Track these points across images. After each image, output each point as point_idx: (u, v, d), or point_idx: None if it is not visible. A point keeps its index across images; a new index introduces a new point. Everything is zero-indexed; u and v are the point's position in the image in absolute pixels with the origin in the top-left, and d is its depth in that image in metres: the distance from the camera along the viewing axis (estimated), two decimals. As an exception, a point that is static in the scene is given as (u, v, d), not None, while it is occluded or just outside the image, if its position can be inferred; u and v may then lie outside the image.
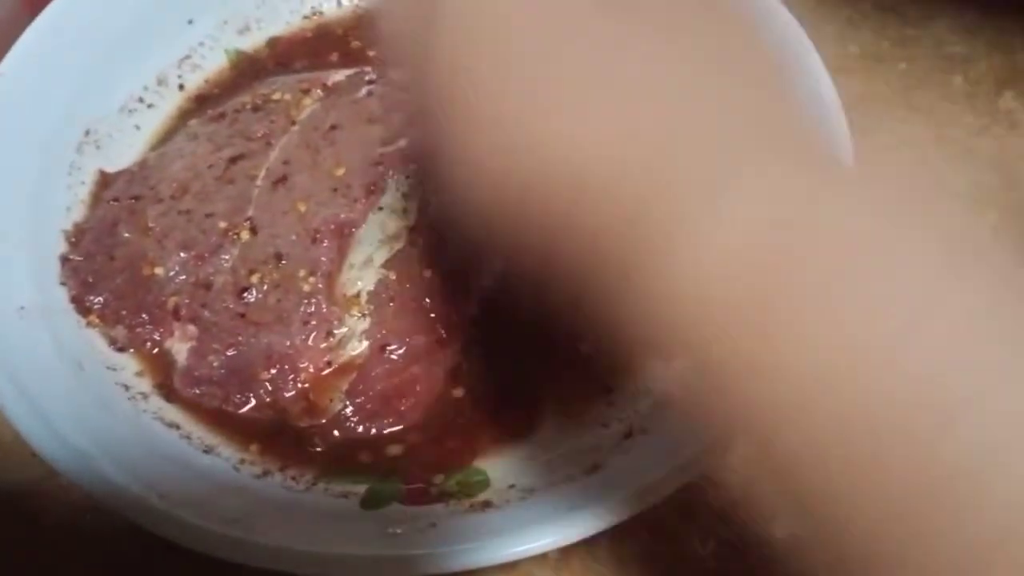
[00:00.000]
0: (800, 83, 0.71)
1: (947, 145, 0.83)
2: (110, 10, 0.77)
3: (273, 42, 0.86)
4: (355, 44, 0.86)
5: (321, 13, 0.87)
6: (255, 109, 0.78)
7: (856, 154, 0.67)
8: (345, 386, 0.68)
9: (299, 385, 0.68)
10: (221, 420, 0.67)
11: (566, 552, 0.66)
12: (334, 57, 0.85)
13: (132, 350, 0.69)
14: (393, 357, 0.68)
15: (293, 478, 0.64)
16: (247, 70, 0.84)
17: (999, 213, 0.80)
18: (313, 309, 0.69)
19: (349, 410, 0.67)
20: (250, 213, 0.72)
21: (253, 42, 0.86)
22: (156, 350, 0.69)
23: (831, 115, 0.69)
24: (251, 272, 0.70)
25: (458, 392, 0.68)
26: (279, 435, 0.66)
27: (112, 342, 0.69)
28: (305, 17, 0.87)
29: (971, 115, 0.85)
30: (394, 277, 0.71)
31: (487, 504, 0.61)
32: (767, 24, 0.74)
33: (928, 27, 0.90)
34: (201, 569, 0.64)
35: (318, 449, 0.66)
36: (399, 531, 0.57)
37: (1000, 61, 0.88)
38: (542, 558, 0.66)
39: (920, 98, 0.86)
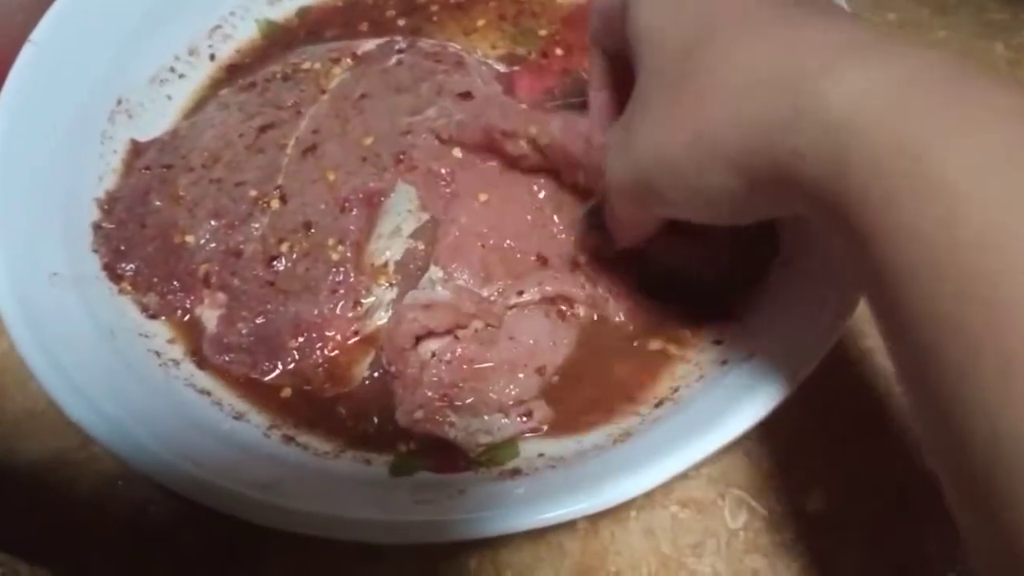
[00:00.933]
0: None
1: (988, 114, 0.81)
2: (142, -21, 0.77)
3: (303, 12, 0.86)
4: (387, 13, 0.85)
5: (352, -18, 0.87)
6: (285, 78, 0.78)
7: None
8: (371, 355, 0.68)
9: (326, 353, 0.68)
10: (250, 387, 0.67)
11: (594, 522, 0.65)
12: (364, 27, 0.85)
13: (164, 317, 0.69)
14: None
15: (321, 445, 0.64)
16: (278, 40, 0.84)
17: (1041, 183, 0.78)
18: (341, 278, 0.69)
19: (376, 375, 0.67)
20: (280, 182, 0.72)
21: (284, 12, 0.86)
22: (187, 317, 0.70)
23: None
24: (280, 240, 0.70)
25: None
26: (307, 402, 0.66)
27: (144, 309, 0.69)
28: (335, -14, 0.87)
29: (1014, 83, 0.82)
30: (422, 247, 0.70)
31: (516, 472, 0.61)
32: None
33: (969, -6, 0.88)
34: (231, 534, 0.65)
35: (343, 417, 0.66)
36: (428, 497, 0.57)
37: (1045, 27, 0.86)
38: (571, 528, 0.65)
39: (961, 66, 0.84)
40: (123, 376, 0.62)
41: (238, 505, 0.54)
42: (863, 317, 0.58)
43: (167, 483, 0.55)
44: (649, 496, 0.66)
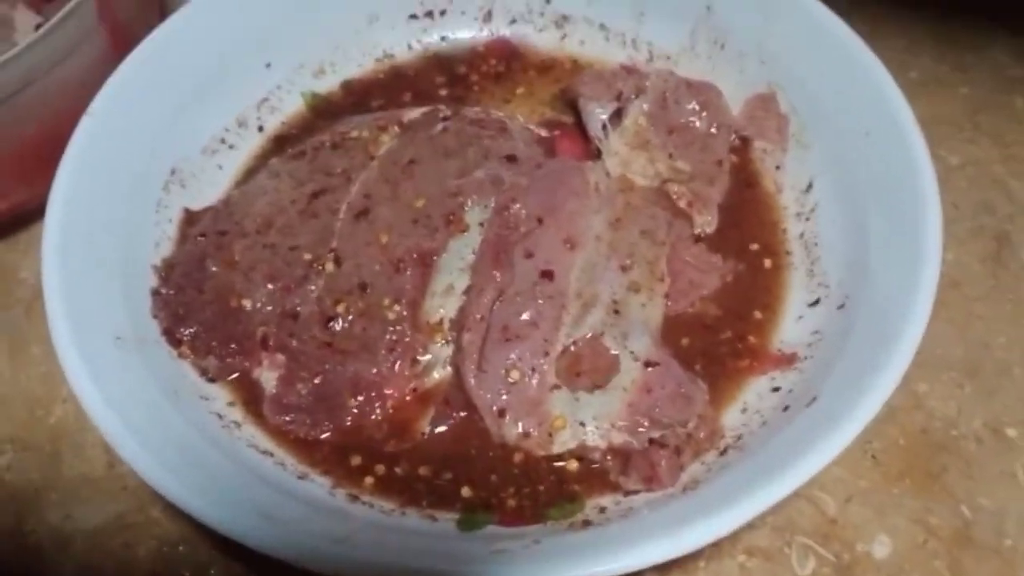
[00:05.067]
0: (879, 112, 0.72)
1: (1015, 163, 0.84)
2: (192, 54, 0.79)
3: (347, 84, 0.88)
4: (429, 84, 0.88)
5: (392, 56, 0.90)
6: (334, 147, 0.80)
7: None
8: (431, 411, 0.69)
9: (386, 410, 0.68)
10: (311, 447, 0.67)
11: (664, 573, 0.65)
12: (407, 97, 0.87)
13: (223, 380, 0.70)
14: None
15: (386, 503, 0.64)
16: (323, 111, 0.86)
17: (1070, 231, 0.80)
18: (397, 337, 0.70)
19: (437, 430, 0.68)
20: (334, 245, 0.73)
21: (328, 85, 0.88)
22: (246, 380, 0.70)
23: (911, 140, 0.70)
24: (337, 302, 0.71)
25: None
26: (368, 461, 0.66)
27: (203, 372, 0.70)
28: (377, 60, 0.89)
29: None
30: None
31: (587, 523, 0.61)
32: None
33: (985, 52, 0.92)
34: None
35: (404, 473, 0.66)
36: (504, 547, 0.56)
37: (1063, 82, 0.89)
38: (640, 579, 0.65)
39: (984, 120, 0.87)
40: (189, 435, 0.62)
41: (315, 558, 0.54)
42: (916, 361, 0.59)
43: (242, 538, 0.54)
44: (716, 546, 0.66)
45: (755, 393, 0.68)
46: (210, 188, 0.80)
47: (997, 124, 0.86)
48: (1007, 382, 0.73)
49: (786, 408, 0.64)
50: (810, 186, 0.77)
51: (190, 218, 0.77)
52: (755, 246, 0.76)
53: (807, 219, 0.76)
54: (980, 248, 0.79)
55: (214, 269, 0.73)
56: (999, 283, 0.77)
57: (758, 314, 0.72)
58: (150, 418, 0.61)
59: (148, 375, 0.65)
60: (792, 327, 0.71)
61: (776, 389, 0.67)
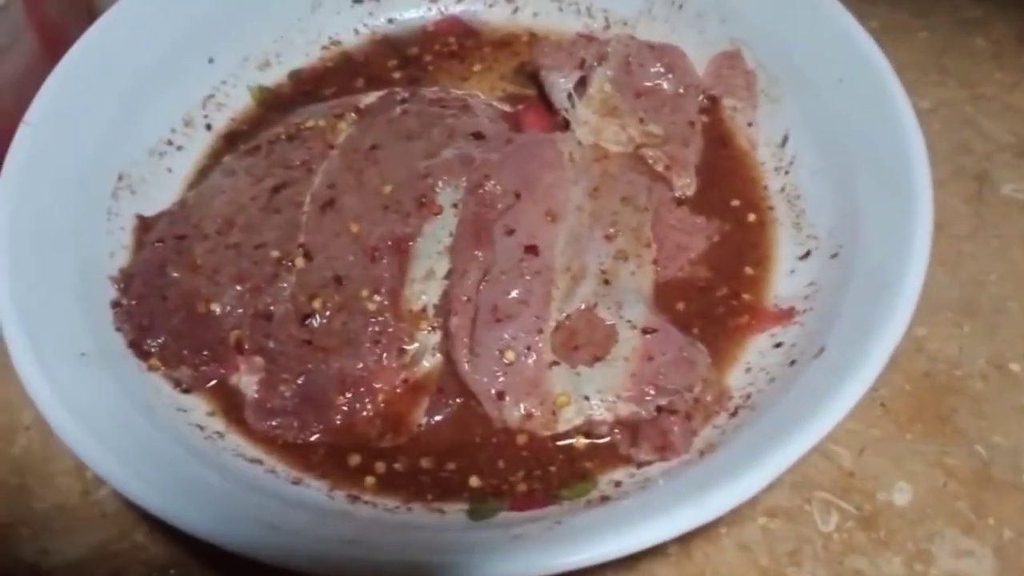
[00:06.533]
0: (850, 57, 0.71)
1: (984, 103, 0.83)
2: (130, 53, 0.75)
3: (295, 75, 0.84)
4: (381, 68, 0.84)
5: (339, 43, 0.86)
6: (290, 138, 0.76)
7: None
8: (425, 402, 0.65)
9: (378, 405, 0.64)
10: (303, 451, 0.63)
11: (685, 545, 0.62)
12: (360, 83, 0.83)
13: (199, 390, 0.65)
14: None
15: (389, 501, 0.60)
16: (272, 104, 0.82)
17: (1044, 164, 0.80)
18: (380, 328, 0.66)
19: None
20: (302, 239, 0.69)
21: (275, 77, 0.84)
22: (224, 387, 0.66)
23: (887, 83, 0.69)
24: (312, 297, 0.67)
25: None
26: (367, 460, 0.62)
27: (176, 384, 0.65)
28: (324, 48, 0.85)
29: (1000, 72, 0.85)
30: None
31: (605, 498, 0.58)
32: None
33: (941, -4, 0.92)
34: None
35: (405, 468, 0.62)
36: (524, 532, 0.53)
37: (1018, 20, 0.89)
38: (663, 555, 0.62)
39: (950, 62, 0.86)
40: (172, 450, 0.58)
41: (330, 563, 0.50)
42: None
43: (252, 553, 0.50)
44: (735, 510, 0.63)
45: (757, 351, 0.66)
46: (162, 192, 0.75)
47: (962, 65, 0.86)
48: (1005, 318, 0.72)
49: (793, 362, 0.62)
50: (786, 139, 0.75)
51: (144, 224, 0.72)
52: (736, 202, 0.74)
53: (786, 172, 0.74)
54: (961, 188, 0.79)
55: (176, 275, 0.68)
56: (984, 221, 0.77)
57: (749, 270, 0.70)
58: (129, 437, 0.57)
59: (119, 391, 0.60)
60: (785, 281, 0.69)
61: (778, 345, 0.65)
